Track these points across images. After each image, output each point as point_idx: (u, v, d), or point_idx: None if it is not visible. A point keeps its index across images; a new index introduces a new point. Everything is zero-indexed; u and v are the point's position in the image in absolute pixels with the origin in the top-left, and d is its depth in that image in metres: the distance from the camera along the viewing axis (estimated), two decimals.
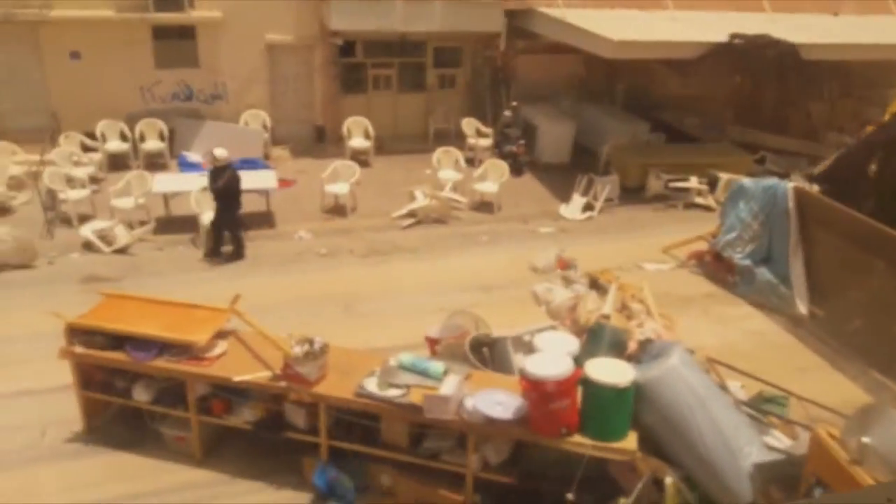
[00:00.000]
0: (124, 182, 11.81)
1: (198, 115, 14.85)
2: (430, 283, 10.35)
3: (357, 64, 15.80)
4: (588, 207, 13.30)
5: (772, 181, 10.40)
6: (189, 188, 11.53)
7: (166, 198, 11.95)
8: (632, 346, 7.06)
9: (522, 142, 15.09)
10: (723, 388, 6.61)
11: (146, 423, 7.03)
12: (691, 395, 5.64)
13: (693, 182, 13.74)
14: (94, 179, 12.79)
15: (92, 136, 13.77)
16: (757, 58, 13.60)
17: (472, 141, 15.54)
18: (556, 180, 14.50)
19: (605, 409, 5.65)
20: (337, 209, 12.73)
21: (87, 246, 10.91)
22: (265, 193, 12.13)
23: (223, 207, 10.68)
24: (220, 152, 10.66)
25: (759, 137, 16.39)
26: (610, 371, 5.65)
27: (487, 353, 7.02)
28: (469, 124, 15.78)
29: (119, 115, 14.12)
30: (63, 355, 6.80)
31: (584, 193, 13.49)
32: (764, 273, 9.99)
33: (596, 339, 6.81)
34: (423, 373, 6.21)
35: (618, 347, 6.70)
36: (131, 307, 7.13)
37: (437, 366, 6.28)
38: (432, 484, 6.15)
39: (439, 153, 14.12)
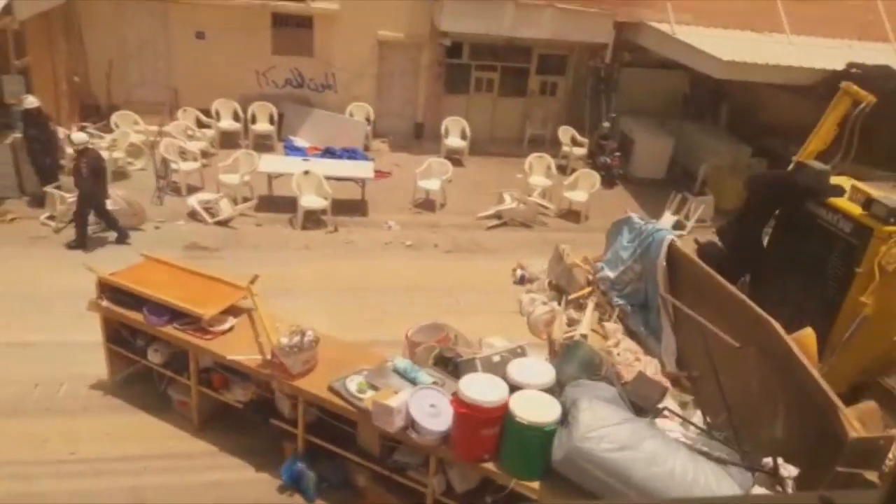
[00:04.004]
0: (233, 159, 12.51)
1: (307, 102, 15.52)
2: (502, 283, 10.53)
3: (462, 65, 16.10)
4: (678, 226, 13.12)
5: (657, 226, 8.89)
6: (292, 171, 12.12)
7: (270, 178, 12.56)
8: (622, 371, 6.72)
9: (618, 154, 15.03)
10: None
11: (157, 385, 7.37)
12: (603, 474, 4.89)
13: None
14: (205, 154, 13.59)
15: (207, 113, 14.62)
16: (875, 90, 13.05)
17: (566, 149, 15.58)
18: (648, 195, 14.37)
19: (517, 444, 5.30)
20: (427, 204, 13.08)
21: (193, 215, 11.66)
22: (362, 182, 12.59)
23: (92, 190, 10.46)
24: (78, 136, 10.67)
25: (871, 174, 15.65)
26: (535, 406, 5.23)
27: (452, 370, 6.56)
28: (565, 132, 15.82)
29: (234, 96, 14.92)
30: (91, 307, 7.18)
31: (676, 212, 13.32)
32: (637, 321, 8.73)
33: (568, 357, 6.47)
34: (413, 381, 5.93)
35: (590, 368, 6.33)
36: (162, 272, 7.40)
37: (428, 377, 6.01)
38: (400, 498, 6.02)
39: (532, 158, 14.24)
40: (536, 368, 5.86)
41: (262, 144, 14.61)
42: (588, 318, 8.57)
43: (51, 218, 11.03)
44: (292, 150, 14.32)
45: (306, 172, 11.91)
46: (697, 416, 6.43)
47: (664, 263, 8.21)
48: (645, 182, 15.10)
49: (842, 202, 7.62)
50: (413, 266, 10.93)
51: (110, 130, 13.51)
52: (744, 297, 6.91)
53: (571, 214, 13.41)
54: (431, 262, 11.18)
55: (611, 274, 9.12)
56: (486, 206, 12.97)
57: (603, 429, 4.91)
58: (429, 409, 5.50)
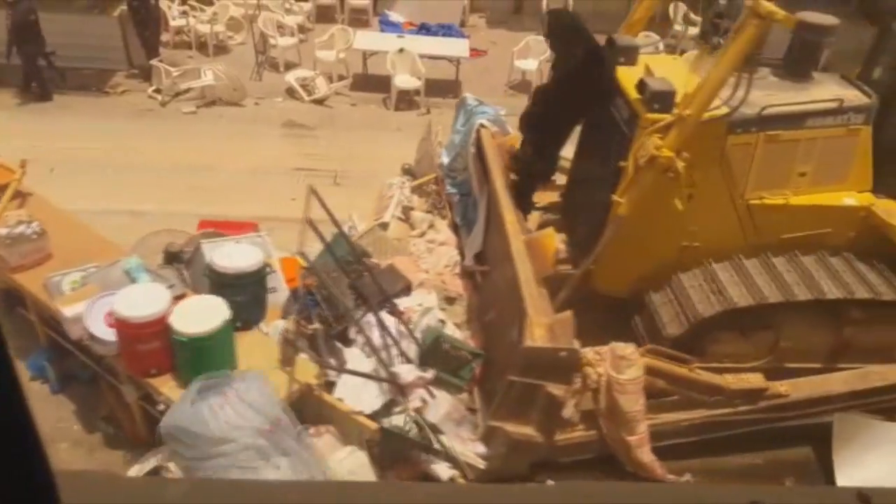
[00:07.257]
0: (328, 35, 12.43)
1: None
2: None
3: None
4: None
5: (486, 109, 7.71)
6: (386, 48, 11.93)
7: (365, 55, 12.45)
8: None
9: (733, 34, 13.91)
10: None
11: None
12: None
13: None
14: (301, 29, 13.53)
15: None
16: None
17: (678, 27, 14.50)
18: None
19: (176, 353, 5.03)
20: (522, 86, 12.64)
21: (290, 92, 11.79)
22: (456, 61, 12.28)
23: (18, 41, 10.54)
24: None
25: None
26: (199, 313, 4.93)
27: (183, 269, 6.12)
28: (678, 8, 14.71)
29: None
30: None
31: None
32: (459, 212, 7.93)
33: (329, 252, 6.07)
34: (133, 281, 5.52)
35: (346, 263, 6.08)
36: None
37: (147, 278, 5.56)
38: (121, 399, 5.71)
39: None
40: (237, 256, 5.51)
41: (358, 19, 14.36)
42: (393, 206, 7.87)
43: (157, 91, 11.41)
44: (388, 25, 14.03)
45: (401, 50, 11.71)
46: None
47: (472, 150, 7.45)
48: (762, 64, 13.95)
49: (628, 85, 6.04)
50: None
51: (211, 3, 13.58)
52: (500, 194, 6.41)
53: None
54: None
55: (446, 160, 8.26)
56: None
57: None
58: (108, 317, 5.10)
